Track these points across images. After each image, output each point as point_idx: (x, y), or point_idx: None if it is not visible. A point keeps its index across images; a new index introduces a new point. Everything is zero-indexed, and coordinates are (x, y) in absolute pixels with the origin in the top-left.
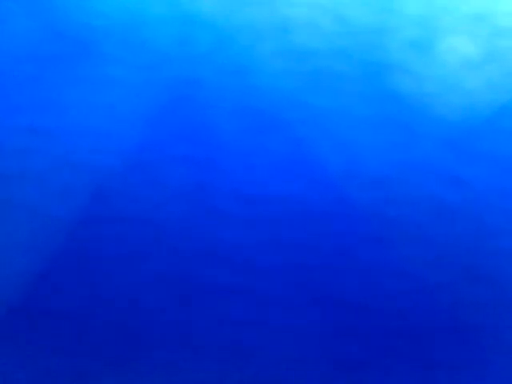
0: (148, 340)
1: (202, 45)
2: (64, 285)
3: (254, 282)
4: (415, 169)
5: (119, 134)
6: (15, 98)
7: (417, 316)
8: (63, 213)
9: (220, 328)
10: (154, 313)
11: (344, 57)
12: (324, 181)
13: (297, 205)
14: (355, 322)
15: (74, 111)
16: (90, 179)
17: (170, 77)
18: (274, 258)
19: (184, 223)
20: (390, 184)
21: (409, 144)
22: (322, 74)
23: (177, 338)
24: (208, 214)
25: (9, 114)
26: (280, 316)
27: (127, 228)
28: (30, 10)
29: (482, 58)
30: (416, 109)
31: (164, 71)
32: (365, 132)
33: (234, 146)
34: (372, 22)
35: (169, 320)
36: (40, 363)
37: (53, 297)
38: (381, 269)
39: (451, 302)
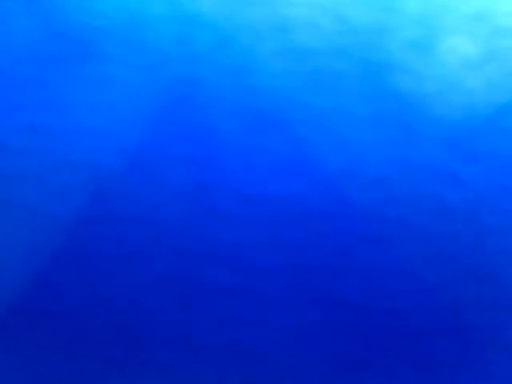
0: (148, 340)
1: (201, 45)
2: (64, 285)
3: (254, 281)
4: (415, 168)
5: (119, 133)
6: (16, 98)
7: (417, 316)
8: (63, 213)
9: (220, 328)
10: (154, 313)
11: (344, 56)
12: (324, 181)
13: (297, 205)
14: (355, 322)
15: (74, 111)
16: (90, 179)
17: (170, 77)
18: (273, 258)
19: (184, 223)
20: (390, 184)
21: (409, 143)
22: (322, 74)
23: (177, 338)
24: (208, 214)
25: (9, 114)
26: (280, 316)
27: (127, 228)
28: (30, 9)
29: (481, 57)
30: (416, 108)
31: (164, 71)
32: (365, 132)
33: (234, 146)
34: (372, 22)
35: (169, 320)
36: (40, 363)
37: (53, 297)
38: (381, 268)
39: (451, 302)
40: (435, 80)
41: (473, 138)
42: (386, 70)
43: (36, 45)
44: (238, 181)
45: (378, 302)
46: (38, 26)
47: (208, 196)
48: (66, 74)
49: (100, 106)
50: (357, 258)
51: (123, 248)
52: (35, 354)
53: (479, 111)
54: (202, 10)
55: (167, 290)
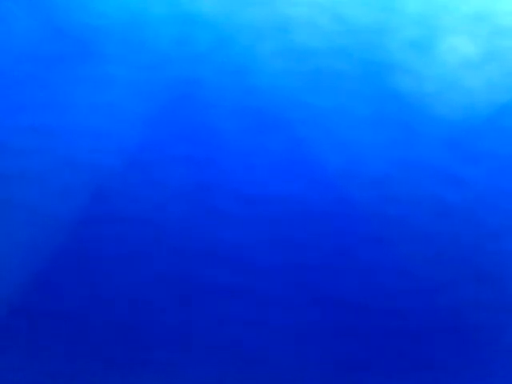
0: (148, 340)
1: (201, 45)
2: (64, 285)
3: (254, 281)
4: (415, 168)
5: (119, 133)
6: (16, 98)
7: (417, 316)
8: (63, 213)
9: (220, 328)
10: (154, 313)
11: (344, 56)
12: (324, 181)
13: (297, 205)
14: (355, 322)
15: (74, 111)
16: (90, 179)
17: (170, 77)
18: (273, 258)
19: (184, 223)
20: (390, 183)
21: (409, 143)
22: (322, 74)
23: (177, 338)
24: (208, 214)
25: (9, 114)
26: (280, 316)
27: (127, 228)
28: (31, 10)
29: (481, 57)
30: (416, 108)
31: (164, 71)
32: (365, 131)
33: (234, 145)
34: (372, 22)
35: (169, 320)
36: (40, 363)
37: (53, 297)
38: (381, 268)
39: (451, 302)
40: (435, 80)
41: (473, 138)
42: (386, 70)
43: (36, 45)
44: (237, 181)
45: (378, 302)
46: (39, 26)
47: (208, 196)
48: (66, 74)
49: (100, 106)
50: (357, 258)
51: (123, 248)
52: (35, 354)
53: (479, 111)
54: (202, 10)
55: (167, 290)
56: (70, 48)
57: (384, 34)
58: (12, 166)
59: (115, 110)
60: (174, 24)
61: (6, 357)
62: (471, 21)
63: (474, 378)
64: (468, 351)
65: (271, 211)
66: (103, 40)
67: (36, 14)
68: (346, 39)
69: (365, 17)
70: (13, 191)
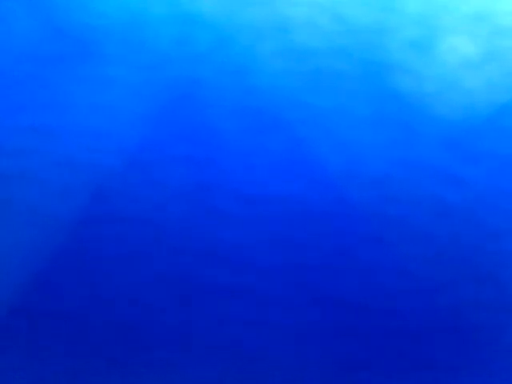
0: (148, 340)
1: (201, 45)
2: (64, 285)
3: (254, 281)
4: (415, 168)
5: (119, 133)
6: (16, 98)
7: (417, 316)
8: (63, 213)
9: (220, 328)
10: (154, 313)
11: (344, 56)
12: (324, 181)
13: (297, 205)
14: (355, 322)
15: (74, 111)
16: (90, 179)
17: (170, 77)
18: (273, 258)
19: (184, 223)
20: (389, 183)
21: (409, 143)
22: (321, 74)
23: (177, 338)
24: (208, 214)
25: (9, 114)
26: (280, 316)
27: (127, 228)
28: (30, 10)
29: (481, 57)
30: (416, 108)
31: (164, 71)
32: (365, 131)
33: (234, 146)
34: (372, 22)
35: (169, 320)
36: (40, 363)
37: (53, 297)
38: (381, 268)
39: (451, 302)
40: (435, 80)
41: (473, 138)
42: (386, 70)
43: (36, 45)
44: (238, 181)
45: (378, 302)
46: (38, 26)
47: (208, 196)
48: (66, 74)
49: (100, 106)
50: (357, 258)
51: (123, 248)
52: (35, 354)
53: (479, 111)
54: (202, 9)
55: (167, 290)
56: (69, 48)
57: (384, 34)
58: (12, 166)
59: (115, 110)
60: (174, 24)
61: (6, 357)
62: (471, 21)
63: (474, 378)
64: (468, 351)
65: (271, 211)
66: (103, 40)
67: (36, 14)
68: (346, 39)
69: (365, 17)
70: (13, 191)
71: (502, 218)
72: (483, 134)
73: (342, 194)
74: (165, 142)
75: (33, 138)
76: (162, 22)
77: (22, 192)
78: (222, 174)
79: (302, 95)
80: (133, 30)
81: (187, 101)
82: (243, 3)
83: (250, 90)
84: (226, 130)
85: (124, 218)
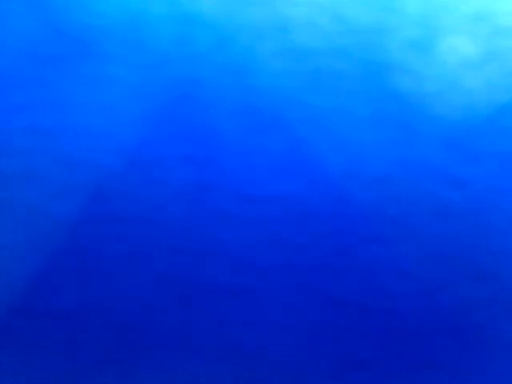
0: (148, 340)
1: (201, 45)
2: (64, 285)
3: (254, 281)
4: (415, 168)
5: (119, 133)
6: (16, 98)
7: (417, 316)
8: (63, 213)
9: (220, 328)
10: (154, 313)
11: (344, 56)
12: (324, 181)
13: (297, 205)
14: (355, 322)
15: (74, 111)
16: (90, 179)
17: (170, 77)
18: (273, 258)
19: (184, 223)
20: (390, 183)
21: (409, 143)
22: (321, 74)
23: (177, 338)
24: (208, 214)
25: (9, 114)
26: (280, 316)
27: (127, 228)
28: (30, 9)
29: (481, 57)
30: (416, 108)
31: (164, 71)
32: (365, 131)
33: (234, 145)
34: (372, 22)
35: (169, 320)
36: (40, 363)
37: (53, 297)
38: (381, 268)
39: (451, 302)
40: (435, 80)
41: (473, 138)
42: (386, 70)
43: (36, 45)
44: (238, 181)
45: (378, 302)
46: (38, 25)
47: (208, 196)
48: (66, 74)
49: (100, 106)
50: (357, 258)
51: (123, 248)
52: (35, 354)
53: (479, 111)
54: (202, 9)
55: (167, 290)
56: (70, 48)
57: (384, 33)
58: (12, 166)
59: (115, 109)
60: (174, 24)
61: (6, 357)
62: (471, 21)
63: (474, 378)
64: (468, 351)
65: (271, 211)
66: (103, 40)
67: (36, 14)
68: (346, 39)
69: (365, 17)
70: (13, 191)
71: (502, 218)
72: (483, 134)
73: (342, 194)
74: (165, 141)
75: (33, 138)
76: (162, 22)
77: (22, 192)
78: (222, 174)
79: (302, 95)
80: (133, 29)
81: (187, 101)
82: (243, 3)
83: (250, 90)
84: (226, 130)
85: (124, 217)
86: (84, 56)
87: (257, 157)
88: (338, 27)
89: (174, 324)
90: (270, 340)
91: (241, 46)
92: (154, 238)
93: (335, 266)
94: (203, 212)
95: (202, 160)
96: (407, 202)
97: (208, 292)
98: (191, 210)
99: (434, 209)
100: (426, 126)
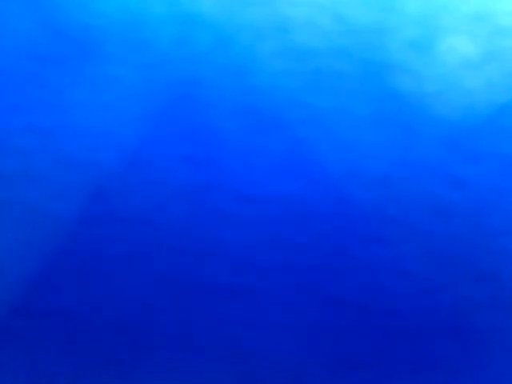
0: (148, 340)
1: (201, 45)
2: (64, 285)
3: (254, 281)
4: (415, 168)
5: (119, 133)
6: (16, 98)
7: (417, 316)
8: (63, 213)
9: (220, 328)
10: (154, 313)
11: (344, 56)
12: (324, 181)
13: (297, 205)
14: (355, 322)
15: (74, 111)
16: (90, 179)
17: (171, 76)
18: (274, 258)
19: (184, 223)
20: (390, 183)
21: (409, 143)
22: (322, 74)
23: (177, 338)
24: (208, 214)
25: (9, 114)
26: (280, 316)
27: (127, 228)
28: (30, 9)
29: (481, 57)
30: (416, 108)
31: (164, 71)
32: (365, 131)
33: (234, 146)
34: (372, 22)
35: (169, 320)
36: (40, 363)
37: (53, 297)
38: (381, 268)
39: (451, 302)
40: (435, 80)
41: (473, 137)
42: (386, 70)
43: (37, 45)
44: (238, 181)
45: (378, 302)
46: (38, 26)
47: (208, 196)
48: (66, 74)
49: (100, 106)
50: (357, 258)
51: (123, 248)
52: (35, 354)
53: (479, 111)
54: (202, 9)
55: (167, 290)
56: (69, 48)
57: (384, 34)
58: (12, 166)
59: (115, 109)
60: (174, 24)
61: (6, 357)
62: (471, 21)
63: (474, 378)
64: (468, 351)
65: (271, 211)
66: (103, 40)
67: (36, 14)
68: (346, 39)
69: (365, 17)
70: (13, 191)
71: (503, 218)
72: (483, 134)
73: (342, 194)
74: (165, 141)
75: (33, 138)
76: (161, 22)
77: (22, 192)
78: (222, 174)
79: (302, 95)
80: (133, 29)
81: (187, 101)
82: (243, 3)
83: (250, 90)
84: (226, 130)
85: (124, 217)
86: (84, 56)
87: (257, 157)
88: (338, 27)
89: (174, 324)
90: (270, 340)
91: (241, 46)
92: (154, 237)
93: (335, 266)
94: (203, 212)
95: (202, 160)
96: (407, 201)
97: (208, 292)
98: (191, 209)
99: (434, 209)
100: (426, 126)
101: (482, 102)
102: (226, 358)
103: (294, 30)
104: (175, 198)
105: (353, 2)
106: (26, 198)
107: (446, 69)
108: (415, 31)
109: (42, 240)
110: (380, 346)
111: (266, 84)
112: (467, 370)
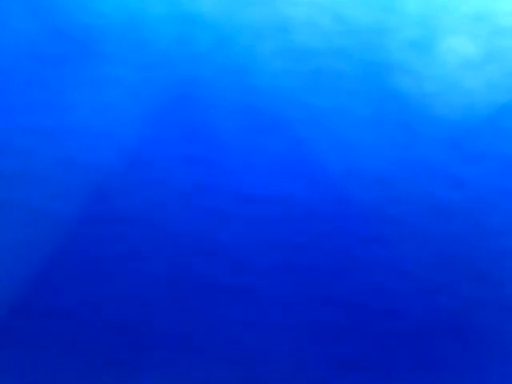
0: (148, 340)
1: (201, 45)
2: (64, 285)
3: (254, 281)
4: (415, 168)
5: (119, 133)
6: (16, 98)
7: (417, 316)
8: (63, 213)
9: (220, 328)
10: (154, 313)
11: (344, 56)
12: (324, 181)
13: (297, 205)
14: (355, 322)
15: (74, 111)
16: (90, 179)
17: (170, 76)
18: (274, 258)
19: (184, 223)
20: (389, 183)
21: (409, 143)
22: (321, 74)
23: (177, 338)
24: (208, 214)
25: (9, 114)
26: (280, 316)
27: (127, 228)
28: (30, 10)
29: (481, 57)
30: (416, 108)
31: (164, 71)
32: (365, 132)
33: (234, 145)
34: (372, 22)
35: (169, 320)
36: (40, 363)
37: (53, 297)
38: (381, 268)
39: (451, 302)
40: (435, 80)
41: (473, 138)
42: (386, 70)
43: (36, 45)
44: (238, 181)
45: (378, 302)
46: (39, 26)
47: (208, 196)
48: (66, 74)
49: (100, 106)
50: (357, 258)
51: (123, 248)
52: (35, 354)
53: (479, 111)
54: (202, 9)
55: (167, 290)
56: (69, 48)
57: (384, 34)
58: (12, 166)
59: (115, 110)
60: (174, 24)
61: (6, 357)
62: (471, 21)
63: (474, 378)
64: (468, 351)
65: (271, 211)
66: (103, 40)
67: (36, 14)
68: (346, 39)
69: (365, 17)
70: (13, 191)
71: (502, 218)
72: (483, 134)
73: (342, 194)
74: (165, 141)
75: (33, 138)
76: (161, 22)
77: (22, 192)
78: (222, 174)
79: (302, 95)
80: (133, 29)
81: (187, 101)
82: (243, 3)
83: (250, 90)
84: (226, 130)
85: (124, 217)
86: (84, 56)
87: (257, 157)
88: (338, 27)
89: (174, 324)
90: (270, 340)
91: (241, 46)
92: (154, 237)
93: (335, 266)
94: (203, 212)
95: (202, 160)
96: (407, 201)
97: (208, 292)
98: (191, 210)
99: (434, 209)
100: (426, 126)
101: (482, 102)
102: (226, 358)
103: (294, 30)
104: (175, 198)
105: (353, 2)
106: (26, 198)
107: (445, 69)
108: (415, 31)
109: (42, 240)
110: (380, 345)
111: (266, 84)
112: (467, 369)
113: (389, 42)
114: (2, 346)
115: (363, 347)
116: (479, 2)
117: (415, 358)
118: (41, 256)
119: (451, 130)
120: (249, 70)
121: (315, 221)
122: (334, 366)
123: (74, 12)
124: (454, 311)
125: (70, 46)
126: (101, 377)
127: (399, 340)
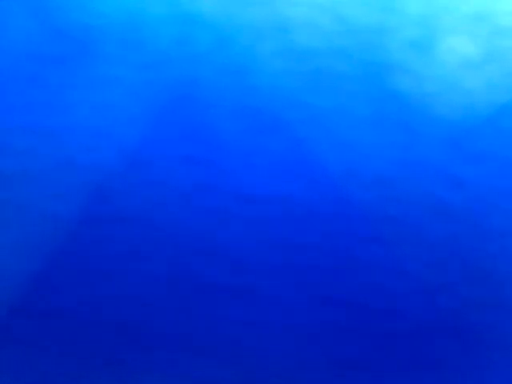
0: (148, 340)
1: (201, 45)
2: (64, 285)
3: (254, 281)
4: (415, 168)
5: (119, 133)
6: (16, 98)
7: (417, 316)
8: (63, 213)
9: (220, 328)
10: (154, 313)
11: (344, 56)
12: (324, 181)
13: (297, 205)
14: (355, 322)
15: (74, 111)
16: (90, 179)
17: (170, 77)
18: (274, 258)
19: (184, 223)
20: (390, 184)
21: (409, 143)
22: (321, 74)
23: (177, 338)
24: (208, 214)
25: (9, 114)
26: (280, 316)
27: (127, 228)
28: (30, 10)
29: (481, 57)
30: (416, 108)
31: (164, 71)
32: (365, 132)
33: (234, 145)
34: (372, 22)
35: (169, 320)
36: (40, 363)
37: (53, 297)
38: (381, 269)
39: (451, 302)
40: (435, 80)
41: (473, 138)
42: (386, 70)
43: (36, 45)
44: (238, 181)
45: (378, 302)
46: (39, 26)
47: (208, 196)
48: (66, 74)
49: (100, 106)
50: (357, 258)
51: (123, 248)
52: (35, 354)
53: (479, 111)
54: (202, 9)
55: (167, 290)
56: (69, 48)
57: (384, 34)
58: (12, 166)
59: (115, 110)
60: (174, 24)
61: (6, 357)
62: (471, 21)
63: (474, 378)
64: (468, 351)
65: (271, 211)
66: (103, 40)
67: (36, 14)
68: (346, 39)
69: (365, 17)
70: (13, 191)
71: (502, 218)
72: (483, 134)
73: (342, 194)
74: (165, 141)
75: (33, 138)
76: (161, 22)
77: (22, 192)
78: (222, 174)
79: (302, 95)
80: (132, 29)
81: (187, 101)
82: (243, 3)
83: (250, 90)
84: (226, 130)
85: (124, 217)
86: (84, 56)
87: (257, 157)
88: (338, 27)
89: (174, 324)
90: (270, 340)
91: (241, 46)
92: (153, 237)
93: (335, 266)
94: (203, 212)
95: (202, 160)
96: (407, 201)
97: (208, 292)
98: (191, 209)
99: (434, 209)
100: (426, 126)
101: (482, 102)
102: (226, 358)
103: (294, 30)
104: (175, 198)
105: (353, 2)
106: (26, 198)
107: (445, 69)
108: (415, 31)
109: (42, 240)
110: (380, 345)
111: (266, 84)
112: (467, 369)
113: (389, 42)
114: (2, 346)
115: (363, 347)
116: (479, 2)
117: (415, 358)
118: (41, 256)
119: (451, 130)
120: (249, 70)
121: (315, 221)
122: (334, 365)
123: (73, 12)
124: (454, 311)
125: (70, 46)
126: (101, 377)
127: (399, 340)
